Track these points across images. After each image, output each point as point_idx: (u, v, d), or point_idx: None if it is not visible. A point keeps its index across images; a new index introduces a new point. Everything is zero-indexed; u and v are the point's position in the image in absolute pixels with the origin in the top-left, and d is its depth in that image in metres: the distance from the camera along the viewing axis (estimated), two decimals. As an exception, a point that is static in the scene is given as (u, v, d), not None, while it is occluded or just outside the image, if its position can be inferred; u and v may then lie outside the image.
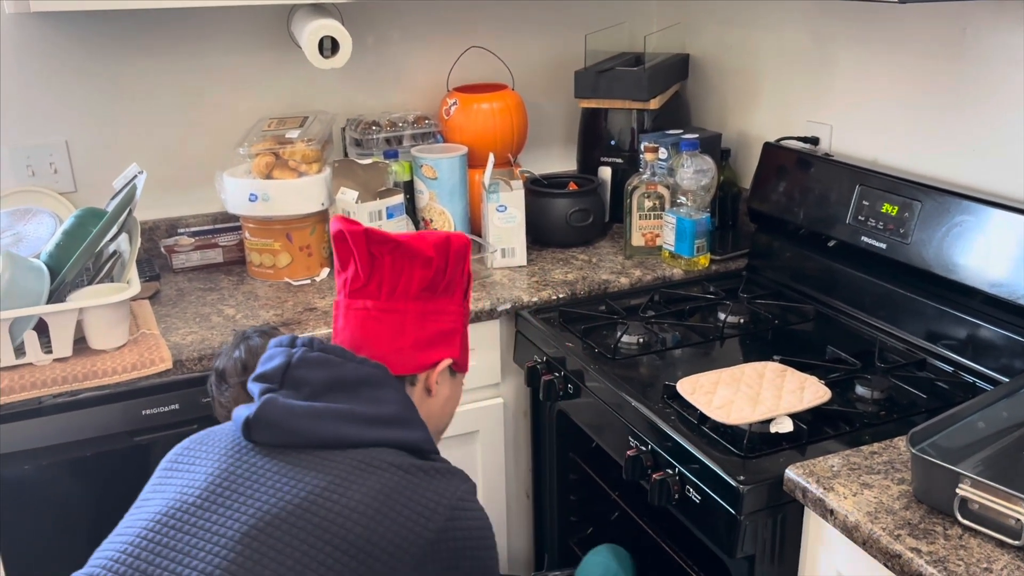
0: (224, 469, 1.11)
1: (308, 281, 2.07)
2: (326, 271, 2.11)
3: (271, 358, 1.18)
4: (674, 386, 1.53)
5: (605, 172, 2.38)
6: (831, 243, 1.92)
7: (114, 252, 1.83)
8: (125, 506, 1.17)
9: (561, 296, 1.99)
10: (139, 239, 1.81)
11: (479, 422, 2.00)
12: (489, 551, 1.13)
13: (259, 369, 1.18)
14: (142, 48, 2.12)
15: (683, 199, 2.07)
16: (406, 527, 1.05)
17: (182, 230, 2.21)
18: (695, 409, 1.46)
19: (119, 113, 2.14)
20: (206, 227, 2.23)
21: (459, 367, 1.31)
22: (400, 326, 1.22)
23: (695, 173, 2.04)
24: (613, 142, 2.39)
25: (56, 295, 1.67)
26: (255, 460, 1.11)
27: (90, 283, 1.77)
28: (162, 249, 2.16)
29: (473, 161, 2.24)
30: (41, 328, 1.64)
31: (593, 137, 2.43)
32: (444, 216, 2.18)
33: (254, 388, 1.16)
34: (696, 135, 2.14)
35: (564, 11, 2.48)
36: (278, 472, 1.08)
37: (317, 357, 1.16)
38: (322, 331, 1.80)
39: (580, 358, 1.73)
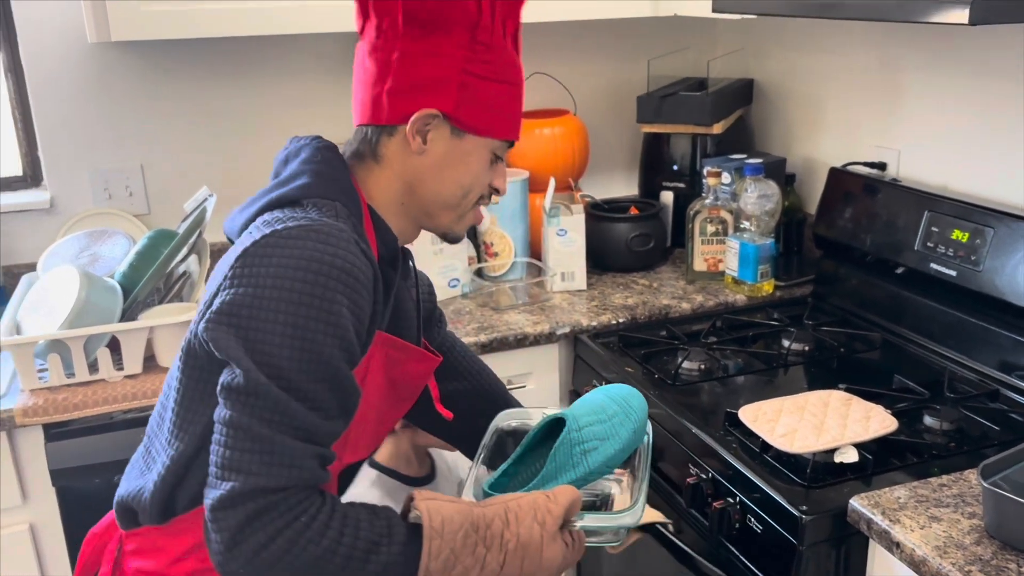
0: None
1: (370, 303, 2.10)
2: (388, 293, 2.14)
3: None
4: (736, 413, 1.50)
5: (667, 197, 2.37)
6: (899, 270, 1.87)
7: (184, 272, 1.88)
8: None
9: (621, 321, 1.98)
10: (208, 260, 1.86)
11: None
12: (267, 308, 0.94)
13: None
14: (216, 74, 2.19)
15: (746, 224, 2.04)
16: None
17: (250, 252, 2.26)
18: (757, 437, 1.44)
19: (192, 138, 2.21)
20: (273, 249, 2.28)
21: (461, 123, 1.09)
22: (383, 70, 1.08)
23: (759, 198, 2.02)
24: (675, 167, 2.38)
25: (128, 314, 1.73)
26: None
27: (160, 303, 1.83)
28: (230, 270, 2.21)
29: (534, 186, 2.25)
30: (113, 346, 1.70)
31: (655, 162, 2.42)
32: (504, 240, 2.19)
33: None
34: (760, 160, 2.12)
35: (627, 37, 2.49)
36: None
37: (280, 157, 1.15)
38: (383, 352, 1.82)
39: (640, 383, 1.71)
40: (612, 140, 2.56)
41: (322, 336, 0.95)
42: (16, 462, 1.66)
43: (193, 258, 1.88)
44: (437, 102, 1.07)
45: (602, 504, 1.30)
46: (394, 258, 1.14)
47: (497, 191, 1.18)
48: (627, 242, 2.22)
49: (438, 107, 1.08)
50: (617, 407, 1.26)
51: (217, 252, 2.23)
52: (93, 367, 1.68)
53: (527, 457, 1.27)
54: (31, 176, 2.18)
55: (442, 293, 2.10)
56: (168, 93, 2.17)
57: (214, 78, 2.19)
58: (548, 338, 1.94)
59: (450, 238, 1.20)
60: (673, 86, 2.41)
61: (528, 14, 2.05)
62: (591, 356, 1.89)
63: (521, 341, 1.91)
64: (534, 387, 1.96)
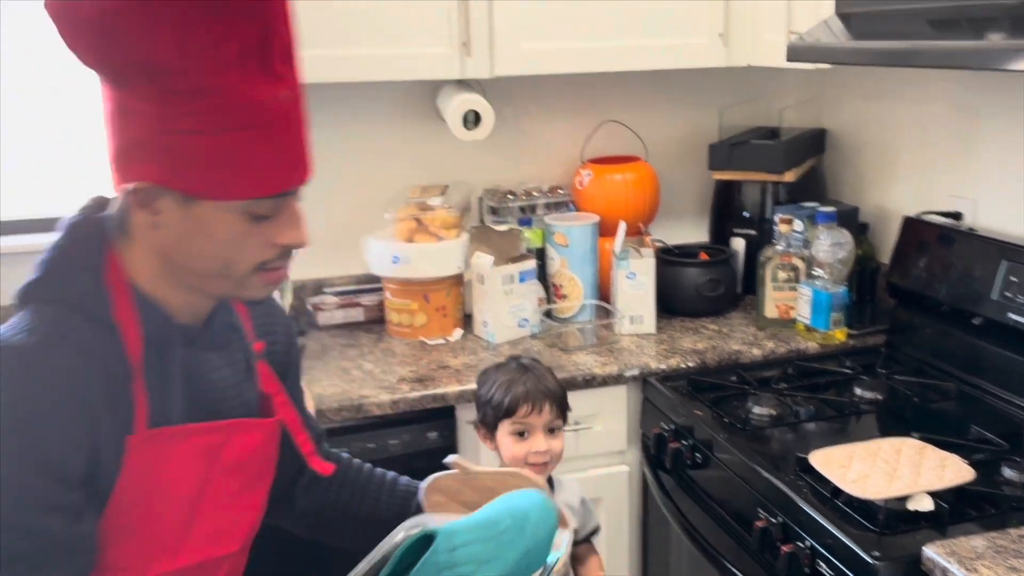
0: None
1: (442, 341, 2.15)
2: (459, 332, 2.19)
3: None
4: (807, 458, 1.49)
5: (738, 243, 2.38)
6: (976, 320, 1.85)
7: (266, 307, 1.96)
8: (276, 538, 1.22)
9: (690, 365, 1.98)
10: (290, 295, 1.94)
11: (603, 489, 2.00)
12: None
13: None
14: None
15: (819, 272, 2.04)
16: None
17: (327, 289, 2.34)
18: (828, 482, 1.43)
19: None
20: (350, 287, 2.35)
21: (185, 190, 0.91)
22: (107, 128, 0.93)
23: (831, 246, 2.02)
24: (746, 214, 2.39)
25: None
26: None
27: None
28: (308, 306, 2.29)
29: (604, 230, 2.28)
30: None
31: (726, 209, 2.44)
32: (574, 282, 2.22)
33: None
34: (833, 208, 2.12)
35: (699, 86, 2.52)
36: None
37: None
38: (454, 388, 1.86)
39: (710, 427, 1.72)
40: (683, 187, 2.58)
41: None
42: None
43: (276, 293, 1.95)
44: (146, 170, 0.90)
45: None
46: (166, 338, 0.99)
47: (290, 246, 0.99)
48: (697, 287, 2.23)
49: (147, 176, 0.90)
50: (511, 521, 1.02)
51: (296, 289, 2.30)
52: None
53: None
54: (126, 213, 2.30)
55: (511, 333, 2.13)
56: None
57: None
58: (616, 380, 1.95)
59: (248, 303, 1.07)
60: (745, 134, 2.43)
61: (601, 63, 2.12)
62: (660, 399, 1.90)
63: (589, 382, 1.93)
64: (601, 429, 1.97)
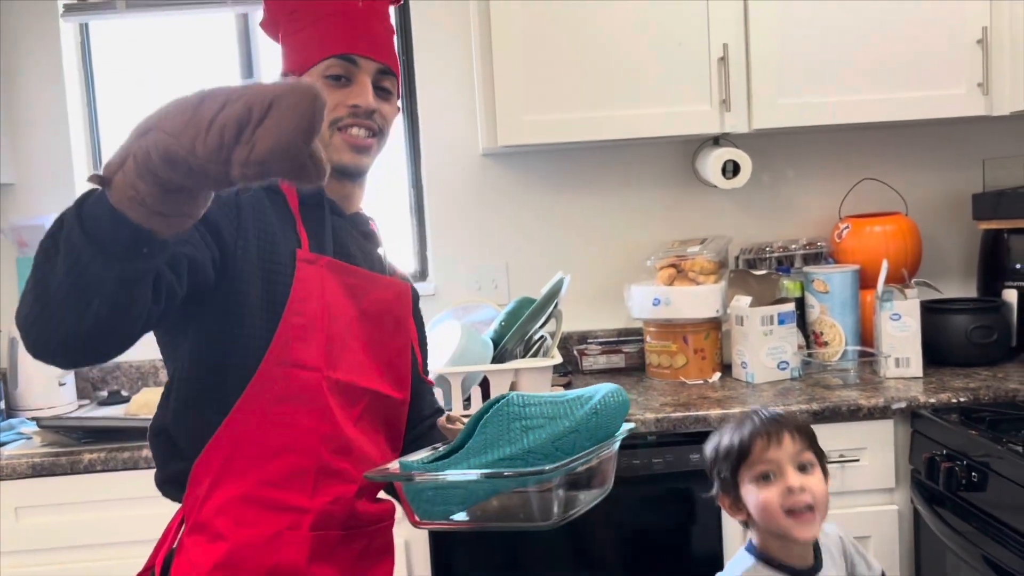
0: None
1: (701, 382, 2.23)
2: (718, 375, 2.26)
3: None
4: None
5: (1010, 295, 2.30)
6: None
7: (541, 336, 2.16)
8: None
9: (962, 400, 1.93)
10: (561, 326, 2.12)
11: (871, 527, 1.96)
12: None
13: None
14: (569, 185, 2.53)
15: (1104, 308, 1.95)
16: None
17: (591, 340, 2.52)
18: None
19: (549, 240, 2.55)
20: (611, 339, 2.52)
21: (292, 69, 1.28)
22: None
23: (1117, 280, 1.93)
24: (1018, 265, 2.32)
25: (496, 359, 2.01)
26: None
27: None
28: (575, 352, 2.47)
29: (864, 282, 2.30)
30: (484, 386, 1.98)
31: (994, 261, 2.38)
32: (835, 329, 2.25)
33: None
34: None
35: (959, 137, 2.52)
36: None
37: None
38: (716, 411, 1.94)
39: (987, 448, 1.67)
40: (946, 243, 2.55)
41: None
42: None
43: (550, 325, 2.15)
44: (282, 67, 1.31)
45: None
46: (318, 202, 1.27)
47: (357, 106, 1.24)
48: (967, 334, 2.18)
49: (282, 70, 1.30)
50: (578, 394, 1.05)
51: (563, 339, 2.50)
52: (467, 402, 1.97)
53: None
54: (420, 272, 2.63)
55: (770, 374, 2.18)
56: (529, 202, 2.53)
57: (569, 187, 2.53)
58: (883, 413, 1.94)
59: (337, 170, 1.25)
60: (1015, 189, 2.39)
61: (855, 115, 2.21)
62: (931, 429, 1.86)
63: (854, 413, 1.93)
64: (868, 463, 1.95)
